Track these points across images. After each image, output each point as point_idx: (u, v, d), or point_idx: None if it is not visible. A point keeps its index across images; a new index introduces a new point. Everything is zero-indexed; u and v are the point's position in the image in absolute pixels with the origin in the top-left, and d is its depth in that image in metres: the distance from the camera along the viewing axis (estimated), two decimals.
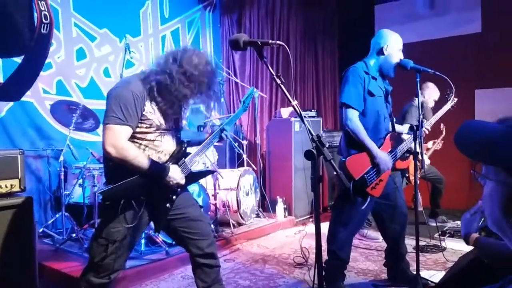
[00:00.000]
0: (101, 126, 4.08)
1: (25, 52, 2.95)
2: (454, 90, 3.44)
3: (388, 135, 2.98)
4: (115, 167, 2.12)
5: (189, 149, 2.39)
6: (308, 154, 1.50)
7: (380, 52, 2.93)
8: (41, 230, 3.91)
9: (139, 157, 2.10)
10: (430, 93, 4.65)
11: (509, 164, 0.76)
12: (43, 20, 2.74)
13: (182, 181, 2.26)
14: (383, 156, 2.82)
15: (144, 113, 2.14)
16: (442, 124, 4.62)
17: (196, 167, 3.92)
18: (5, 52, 3.25)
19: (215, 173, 4.48)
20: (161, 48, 5.47)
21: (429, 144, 4.88)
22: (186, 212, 2.35)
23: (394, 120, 3.14)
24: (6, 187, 2.55)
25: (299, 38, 6.82)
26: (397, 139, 3.05)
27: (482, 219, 1.80)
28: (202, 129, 4.19)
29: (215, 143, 2.66)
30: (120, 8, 4.99)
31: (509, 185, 0.76)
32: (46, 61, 4.36)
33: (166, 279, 3.41)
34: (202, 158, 4.42)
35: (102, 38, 4.89)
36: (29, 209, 2.55)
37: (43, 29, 2.77)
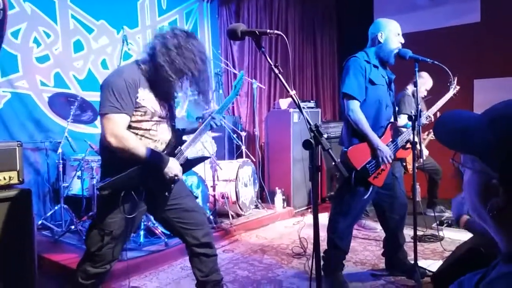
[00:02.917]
0: (99, 118, 4.11)
1: None
2: (456, 78, 3.43)
3: (390, 124, 2.98)
4: (113, 158, 2.13)
5: (184, 137, 2.40)
6: (306, 144, 1.50)
7: (376, 40, 2.92)
8: (40, 222, 3.91)
9: (140, 146, 2.11)
10: (424, 82, 4.61)
11: (483, 152, 0.77)
12: None
13: (180, 174, 2.26)
14: (384, 148, 2.82)
15: (137, 100, 2.14)
16: (438, 113, 4.61)
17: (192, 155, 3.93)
18: None
19: (213, 164, 4.48)
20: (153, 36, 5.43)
21: (425, 134, 4.87)
22: (181, 203, 2.36)
23: (397, 109, 3.14)
24: (5, 179, 2.55)
25: (297, 29, 6.79)
26: (396, 129, 3.05)
27: None
28: (200, 120, 4.18)
29: (213, 134, 2.67)
30: (117, 0, 4.95)
31: (485, 172, 0.77)
32: (43, 53, 4.38)
33: (166, 270, 3.42)
34: (201, 149, 4.42)
35: (99, 30, 4.86)
36: (27, 201, 2.55)
37: None
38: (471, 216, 1.78)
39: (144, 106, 2.17)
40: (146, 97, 2.18)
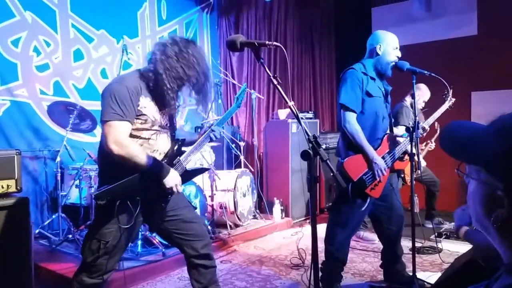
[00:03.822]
0: (98, 127, 4.12)
1: None
2: (451, 90, 3.44)
3: (386, 136, 2.99)
4: (110, 167, 2.12)
5: (183, 148, 2.39)
6: (304, 155, 1.51)
7: (374, 52, 2.94)
8: (37, 231, 3.89)
9: (142, 155, 2.09)
10: (421, 94, 4.63)
11: (488, 162, 0.77)
12: None
13: (179, 186, 2.24)
14: (379, 160, 2.83)
15: (139, 108, 2.14)
16: (436, 123, 4.62)
17: (192, 167, 3.93)
18: None
19: (212, 174, 4.48)
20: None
21: (422, 145, 4.88)
22: (180, 214, 2.34)
23: (392, 120, 3.16)
24: (3, 187, 2.55)
25: (296, 40, 6.84)
26: (393, 140, 3.06)
27: None
28: (199, 130, 4.19)
29: (211, 144, 2.66)
30: (117, 10, 4.98)
31: (490, 183, 0.77)
32: (43, 62, 4.40)
33: (163, 280, 3.40)
34: (200, 159, 4.42)
35: (99, 39, 4.88)
36: (25, 210, 2.54)
37: None
38: (471, 227, 1.80)
39: (145, 114, 2.16)
40: (147, 106, 2.17)
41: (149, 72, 2.16)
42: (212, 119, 4.59)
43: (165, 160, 2.26)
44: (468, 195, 0.85)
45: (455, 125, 0.89)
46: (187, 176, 2.42)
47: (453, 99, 3.50)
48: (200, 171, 2.89)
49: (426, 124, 3.36)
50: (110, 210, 2.11)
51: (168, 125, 2.32)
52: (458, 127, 0.88)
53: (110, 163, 2.11)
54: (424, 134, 3.35)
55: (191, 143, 2.49)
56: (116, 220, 2.13)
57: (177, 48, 2.15)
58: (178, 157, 2.32)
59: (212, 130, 2.45)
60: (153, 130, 2.21)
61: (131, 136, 2.16)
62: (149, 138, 2.21)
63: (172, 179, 2.19)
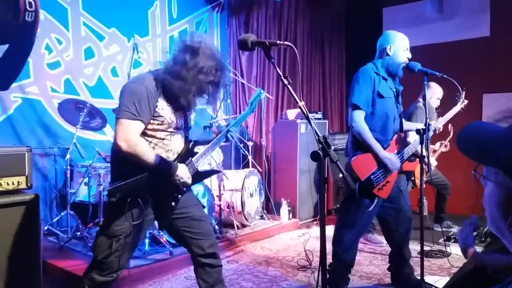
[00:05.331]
0: (107, 125, 4.14)
1: (10, 40, 2.92)
2: (464, 92, 3.41)
3: (395, 136, 2.96)
4: (123, 164, 2.14)
5: (196, 149, 2.40)
6: (314, 155, 1.50)
7: (385, 53, 2.92)
8: (46, 228, 3.91)
9: (149, 153, 2.11)
10: (433, 92, 4.59)
11: (506, 164, 0.76)
12: (28, 8, 2.74)
13: (189, 181, 2.27)
14: (389, 156, 2.80)
15: (156, 109, 2.16)
16: (450, 125, 4.56)
17: (202, 167, 3.94)
18: None
19: (220, 173, 4.48)
20: (169, 48, 5.48)
21: (436, 145, 4.84)
22: (189, 212, 2.35)
23: (404, 120, 3.13)
24: (13, 184, 2.56)
25: (306, 40, 6.82)
26: (403, 141, 3.03)
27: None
28: (208, 129, 4.20)
29: (222, 143, 2.67)
30: (128, 8, 5.01)
31: (507, 186, 0.76)
32: (55, 60, 4.43)
33: (170, 279, 3.41)
34: (208, 158, 4.43)
35: (110, 37, 4.91)
36: (35, 207, 2.55)
37: (28, 17, 2.77)
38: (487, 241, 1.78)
39: (162, 116, 2.18)
40: (165, 107, 2.20)
41: (164, 80, 2.16)
42: (221, 118, 4.61)
43: (178, 160, 2.28)
44: (485, 197, 0.84)
45: (473, 126, 0.87)
46: (198, 177, 2.44)
47: (466, 101, 3.46)
48: (211, 173, 2.93)
49: (439, 123, 3.31)
50: (121, 207, 2.12)
51: (183, 126, 2.34)
52: (476, 129, 0.87)
53: (123, 161, 2.13)
54: (437, 132, 3.29)
55: (205, 142, 2.50)
56: (127, 217, 2.14)
57: (189, 56, 2.15)
58: (191, 158, 2.34)
59: (229, 130, 2.48)
60: (168, 131, 2.24)
61: (147, 135, 2.18)
62: (164, 139, 2.24)
63: (181, 173, 2.21)
